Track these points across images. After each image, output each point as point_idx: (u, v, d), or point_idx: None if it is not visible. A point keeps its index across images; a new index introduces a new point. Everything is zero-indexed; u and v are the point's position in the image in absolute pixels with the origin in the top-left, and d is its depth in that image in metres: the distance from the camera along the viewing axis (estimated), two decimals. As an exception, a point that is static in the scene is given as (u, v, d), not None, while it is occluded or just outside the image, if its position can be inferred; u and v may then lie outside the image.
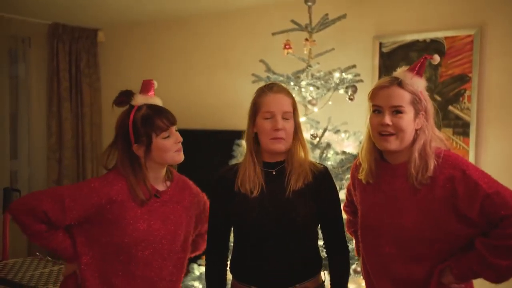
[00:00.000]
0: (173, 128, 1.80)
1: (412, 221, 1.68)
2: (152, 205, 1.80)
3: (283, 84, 2.79)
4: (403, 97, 1.68)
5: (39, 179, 4.72)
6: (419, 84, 1.70)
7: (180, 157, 1.83)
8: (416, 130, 1.71)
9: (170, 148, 1.78)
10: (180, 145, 1.82)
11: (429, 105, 1.72)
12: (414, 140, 1.70)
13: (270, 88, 1.84)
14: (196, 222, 1.98)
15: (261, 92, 1.84)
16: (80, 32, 4.85)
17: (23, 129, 4.68)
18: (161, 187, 1.86)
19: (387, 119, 1.70)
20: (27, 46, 4.69)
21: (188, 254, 1.98)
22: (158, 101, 1.85)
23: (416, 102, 1.69)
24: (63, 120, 4.72)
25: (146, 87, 1.85)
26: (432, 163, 1.65)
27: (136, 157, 1.79)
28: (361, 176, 1.83)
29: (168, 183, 1.90)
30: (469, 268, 1.63)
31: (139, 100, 1.80)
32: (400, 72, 1.74)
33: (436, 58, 1.75)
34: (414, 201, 1.69)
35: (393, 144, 1.71)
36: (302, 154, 1.85)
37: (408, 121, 1.68)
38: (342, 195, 2.79)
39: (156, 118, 1.75)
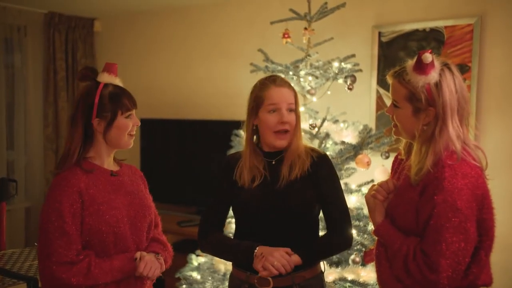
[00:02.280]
0: (134, 111, 1.84)
1: (399, 211, 1.65)
2: (114, 183, 1.82)
3: (281, 74, 2.82)
4: (398, 92, 1.63)
5: (36, 169, 4.71)
6: (418, 81, 1.57)
7: (131, 142, 1.85)
8: (424, 126, 1.61)
9: (128, 128, 1.81)
10: (135, 130, 1.85)
11: (449, 105, 1.57)
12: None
13: (272, 81, 1.85)
14: None
15: (264, 85, 1.84)
16: (77, 21, 4.81)
17: (20, 119, 4.65)
18: (114, 168, 1.89)
19: (388, 110, 1.71)
20: (22, 35, 4.64)
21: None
22: (120, 83, 1.86)
23: (414, 99, 1.59)
24: (59, 110, 4.70)
25: (110, 68, 1.86)
26: (426, 165, 1.55)
27: (91, 133, 1.79)
28: (400, 145, 1.79)
29: (117, 167, 1.93)
30: None
31: (106, 78, 1.81)
32: (408, 64, 1.63)
33: (426, 57, 1.56)
34: (403, 191, 1.65)
35: (396, 133, 1.72)
36: (300, 143, 1.87)
37: (403, 116, 1.64)
38: (341, 184, 2.80)
39: (124, 97, 1.80)
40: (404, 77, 1.61)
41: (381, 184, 1.71)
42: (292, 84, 2.81)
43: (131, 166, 2.00)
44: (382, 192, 1.69)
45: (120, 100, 1.78)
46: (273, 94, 1.80)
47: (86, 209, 1.72)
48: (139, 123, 1.86)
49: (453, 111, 1.58)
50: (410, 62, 1.61)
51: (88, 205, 1.73)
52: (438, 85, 1.57)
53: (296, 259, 1.75)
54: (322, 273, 1.93)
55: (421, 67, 1.57)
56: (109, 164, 1.86)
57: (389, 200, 1.70)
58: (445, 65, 1.60)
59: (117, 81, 1.85)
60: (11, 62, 4.65)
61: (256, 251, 1.75)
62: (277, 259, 1.70)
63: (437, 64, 1.58)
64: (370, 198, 1.72)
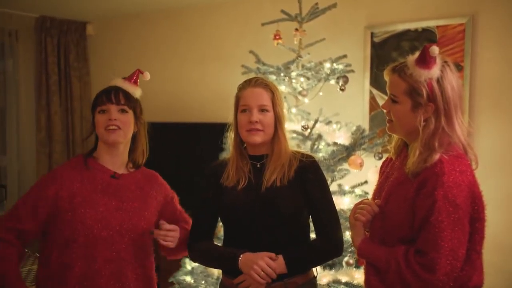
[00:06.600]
0: (113, 107, 1.81)
1: (390, 207, 1.63)
2: (110, 185, 1.82)
3: (272, 76, 2.80)
4: (398, 87, 1.61)
5: (29, 174, 4.68)
6: (420, 75, 1.56)
7: (109, 137, 1.81)
8: (423, 122, 1.59)
9: (102, 123, 1.80)
10: (113, 123, 1.80)
11: (446, 101, 1.56)
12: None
13: (249, 82, 1.87)
14: (160, 212, 1.97)
15: (241, 87, 1.88)
16: (69, 25, 4.78)
17: (12, 124, 4.62)
18: (120, 171, 1.89)
19: (384, 105, 1.69)
20: (14, 39, 4.61)
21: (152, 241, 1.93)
22: (137, 92, 1.92)
23: (414, 94, 1.58)
24: (52, 114, 4.67)
25: (132, 74, 1.95)
26: (435, 157, 1.53)
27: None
28: (390, 145, 1.78)
29: (132, 170, 1.92)
30: None
31: (114, 81, 1.91)
32: (409, 59, 1.62)
33: (434, 50, 1.55)
34: (396, 188, 1.63)
35: (390, 129, 1.70)
36: (284, 146, 1.84)
37: (400, 111, 1.62)
38: (334, 187, 2.78)
39: (103, 94, 1.83)
40: (405, 71, 1.60)
41: (364, 207, 1.69)
42: (284, 86, 2.85)
43: (150, 174, 1.99)
44: (365, 214, 1.67)
45: (98, 97, 1.83)
46: (246, 95, 1.82)
47: (64, 204, 1.74)
48: (114, 117, 1.80)
49: (456, 107, 1.59)
50: (411, 57, 1.60)
51: (67, 200, 1.74)
52: (439, 81, 1.57)
53: (280, 265, 1.72)
54: (314, 277, 1.90)
55: (425, 61, 1.55)
56: (115, 165, 1.87)
57: (370, 222, 1.68)
58: (445, 62, 1.60)
59: (125, 85, 1.87)
60: (3, 67, 4.63)
61: (240, 258, 1.74)
62: (261, 268, 1.69)
63: (438, 60, 1.58)
64: (351, 218, 1.72)
